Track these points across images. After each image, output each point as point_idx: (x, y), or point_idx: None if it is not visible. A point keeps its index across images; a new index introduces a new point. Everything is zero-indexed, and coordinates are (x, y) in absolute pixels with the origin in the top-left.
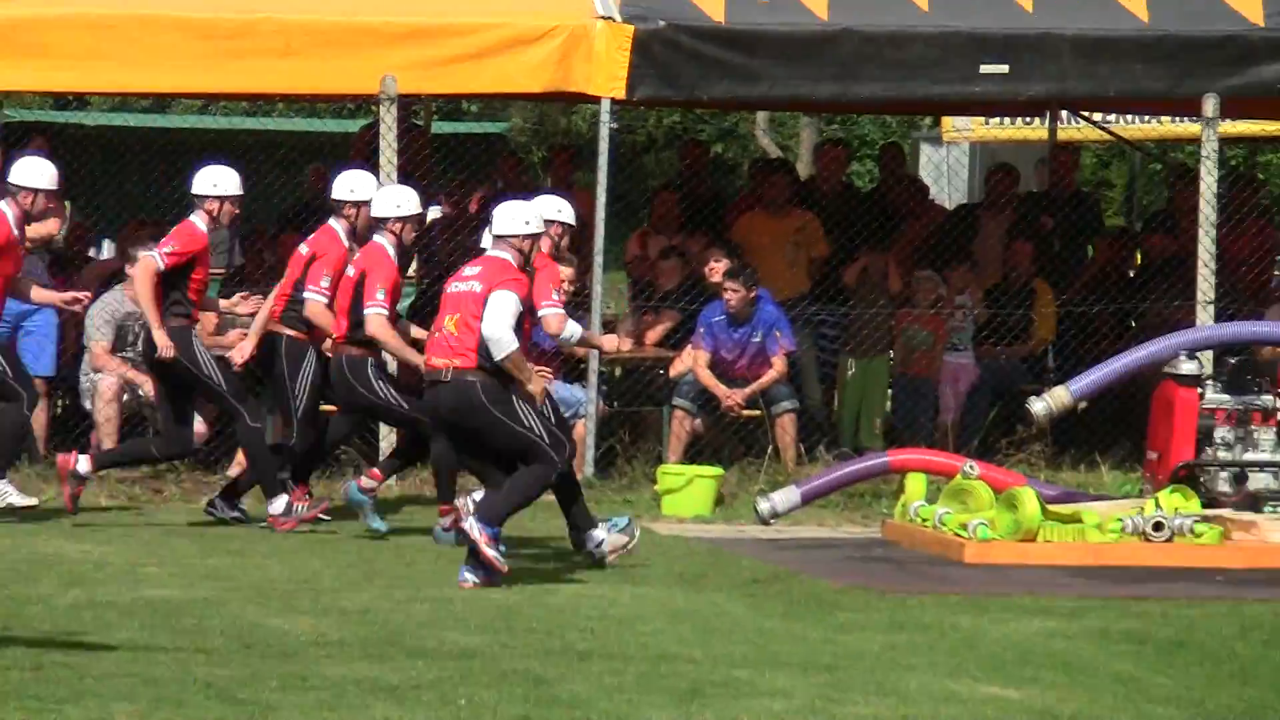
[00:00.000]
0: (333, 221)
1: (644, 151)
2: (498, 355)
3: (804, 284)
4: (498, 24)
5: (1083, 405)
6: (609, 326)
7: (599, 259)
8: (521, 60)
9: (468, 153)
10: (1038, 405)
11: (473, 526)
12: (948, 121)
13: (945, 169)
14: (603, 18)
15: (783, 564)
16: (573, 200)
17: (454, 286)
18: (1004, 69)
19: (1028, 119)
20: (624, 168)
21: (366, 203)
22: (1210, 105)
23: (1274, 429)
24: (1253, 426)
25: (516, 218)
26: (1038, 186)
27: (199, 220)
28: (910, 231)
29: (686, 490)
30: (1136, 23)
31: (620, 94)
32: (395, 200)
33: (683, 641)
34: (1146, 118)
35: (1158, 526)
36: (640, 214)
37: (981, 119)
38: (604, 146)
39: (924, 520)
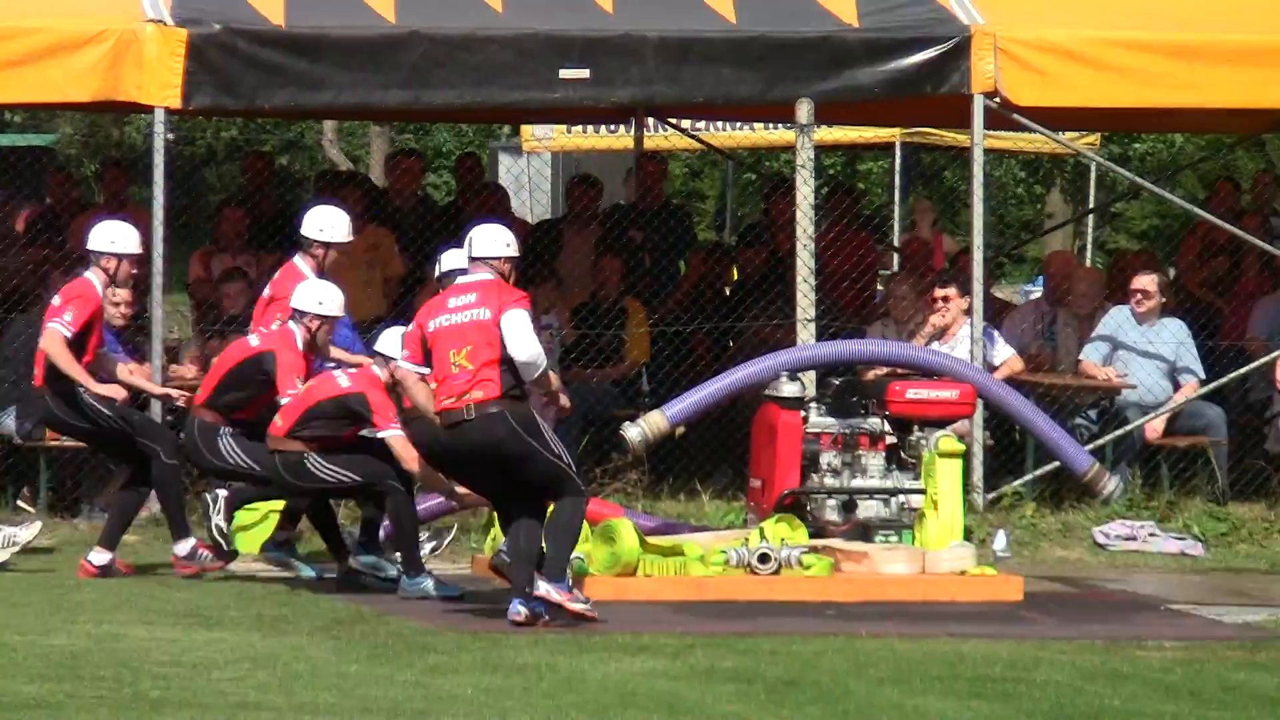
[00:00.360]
0: (298, 259)
1: (204, 164)
2: (534, 374)
3: (380, 305)
4: (38, 28)
5: (680, 430)
6: (172, 353)
7: (159, 280)
8: (66, 67)
9: (12, 167)
10: (632, 431)
11: (548, 591)
12: (527, 130)
13: (526, 180)
14: (153, 21)
15: (367, 604)
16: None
17: (446, 319)
18: (585, 73)
19: (612, 126)
20: (182, 182)
21: (336, 244)
22: (804, 110)
23: (882, 453)
24: (860, 451)
25: (498, 240)
26: (627, 198)
27: (95, 278)
28: None
29: (262, 526)
30: (724, 24)
31: (175, 103)
32: (318, 297)
33: (263, 688)
34: (739, 124)
35: (764, 558)
36: (203, 231)
37: (563, 127)
38: (159, 159)
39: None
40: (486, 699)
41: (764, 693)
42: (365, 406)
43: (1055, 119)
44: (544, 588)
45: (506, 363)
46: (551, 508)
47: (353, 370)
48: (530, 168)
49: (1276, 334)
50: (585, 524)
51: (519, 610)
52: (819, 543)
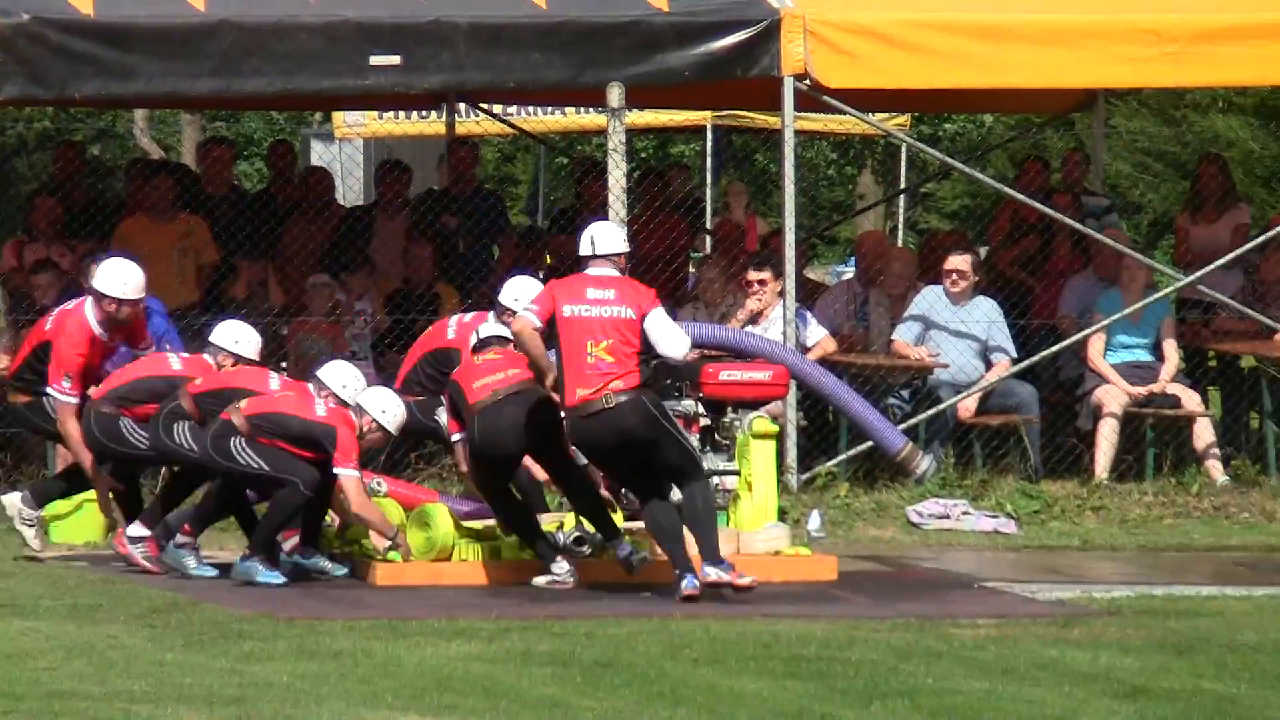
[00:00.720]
0: (491, 316)
1: (15, 154)
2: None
3: (194, 293)
4: None
5: None
6: None
7: None
8: None
9: None
10: (445, 416)
11: (717, 575)
12: (339, 117)
13: (339, 167)
14: None
15: (182, 592)
16: None
17: (585, 310)
18: (396, 60)
19: (424, 112)
20: None
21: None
22: (615, 94)
23: (697, 435)
24: None
25: (616, 237)
26: (439, 184)
27: (211, 360)
28: (303, 234)
29: (76, 516)
30: (534, 9)
31: None
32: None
33: (78, 677)
34: (550, 109)
35: (580, 541)
36: (15, 221)
37: (375, 113)
38: None
39: (329, 542)
40: (302, 685)
41: (580, 675)
42: (332, 441)
43: (865, 100)
44: (712, 573)
45: (643, 356)
46: (681, 500)
47: (333, 406)
48: (342, 154)
49: (1087, 312)
50: (399, 508)
51: (693, 584)
52: (634, 525)
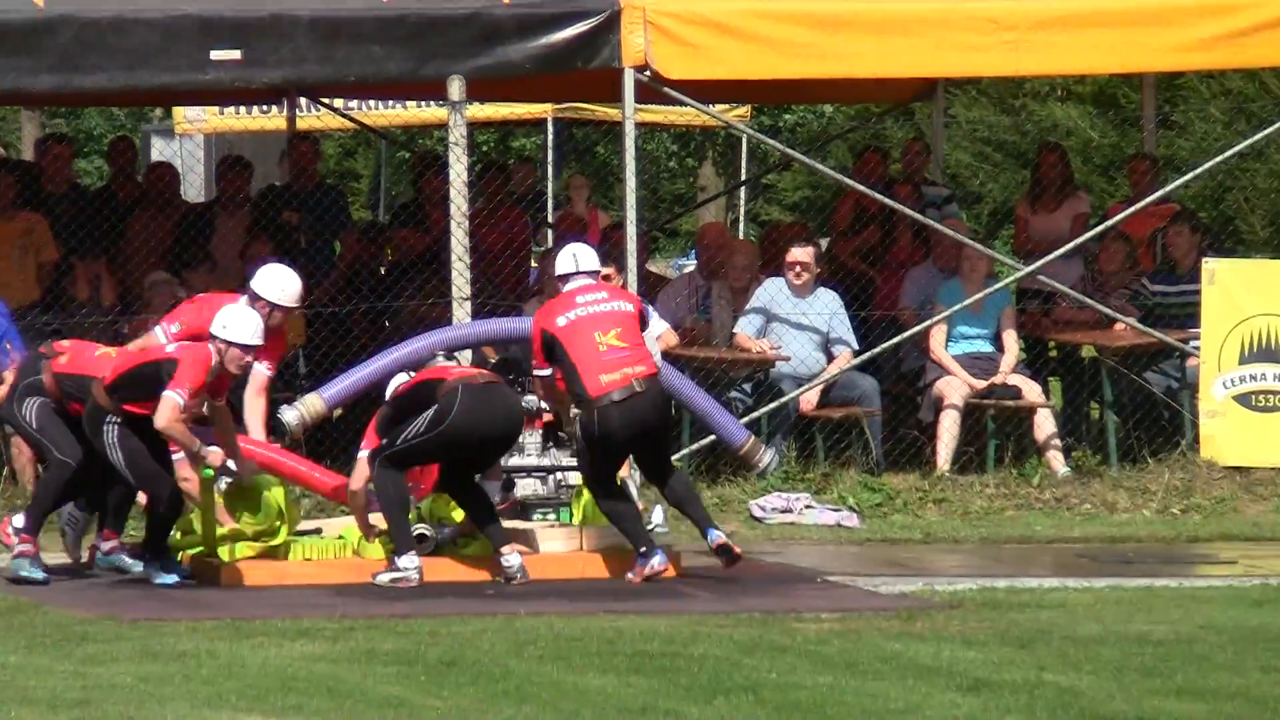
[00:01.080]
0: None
1: None
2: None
3: (34, 291)
4: None
5: (338, 412)
6: None
7: None
8: None
9: None
10: (289, 414)
11: (715, 536)
12: (179, 112)
13: (179, 163)
14: None
15: (24, 595)
16: None
17: (582, 310)
18: (236, 54)
19: (265, 107)
20: None
21: None
22: (456, 88)
23: (540, 431)
24: None
25: (594, 255)
26: (281, 179)
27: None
28: (144, 231)
29: None
30: (375, 2)
31: None
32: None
33: None
34: (391, 103)
35: (421, 539)
36: None
37: (216, 109)
38: None
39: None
40: (146, 687)
41: (424, 674)
42: (170, 371)
43: (706, 92)
44: (713, 533)
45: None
46: (670, 485)
47: (187, 344)
48: (183, 150)
49: (928, 303)
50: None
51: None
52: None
